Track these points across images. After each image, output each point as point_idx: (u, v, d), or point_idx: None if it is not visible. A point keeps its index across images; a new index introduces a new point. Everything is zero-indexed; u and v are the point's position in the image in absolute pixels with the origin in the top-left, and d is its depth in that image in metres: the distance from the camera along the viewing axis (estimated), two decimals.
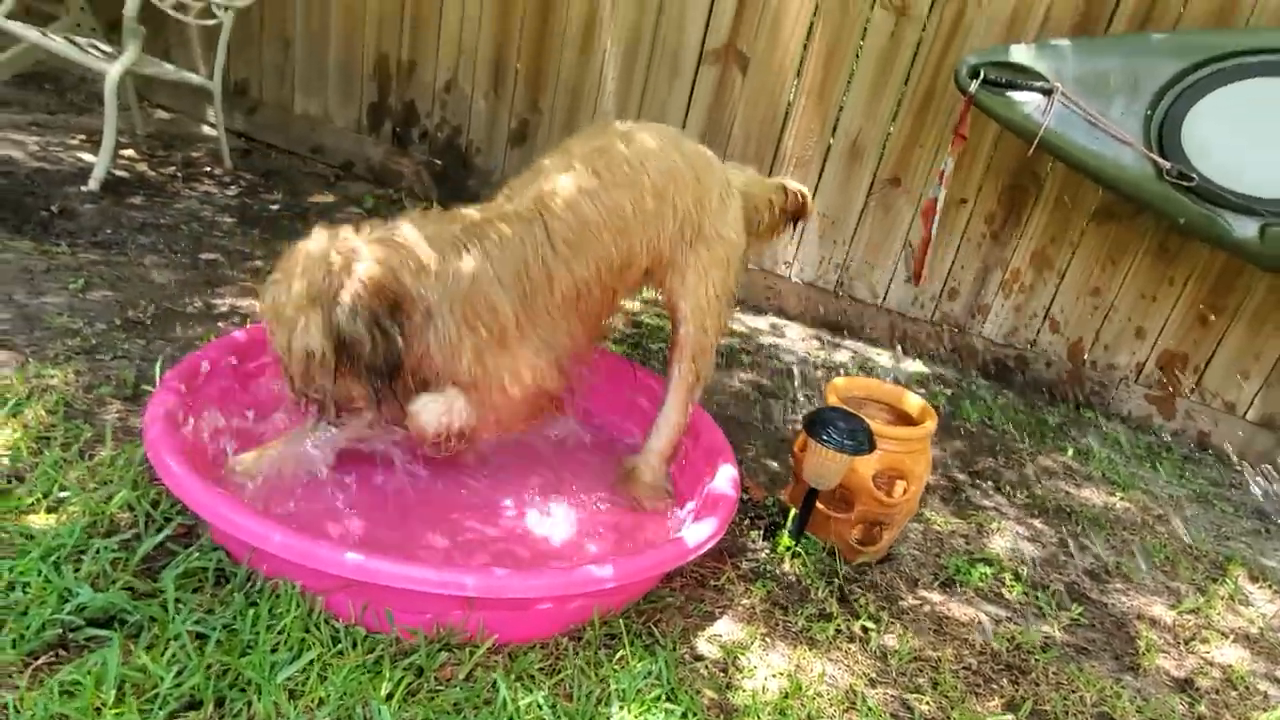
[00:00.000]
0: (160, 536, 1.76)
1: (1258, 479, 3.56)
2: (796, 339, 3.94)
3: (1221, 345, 3.69)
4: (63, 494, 1.82)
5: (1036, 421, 3.62)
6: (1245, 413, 3.76)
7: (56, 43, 3.53)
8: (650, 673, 1.74)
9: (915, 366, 3.93)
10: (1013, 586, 2.41)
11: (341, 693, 1.52)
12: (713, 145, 2.32)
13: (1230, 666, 2.29)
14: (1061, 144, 3.14)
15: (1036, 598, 2.39)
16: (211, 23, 3.83)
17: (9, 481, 1.83)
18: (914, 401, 2.43)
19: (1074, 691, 2.05)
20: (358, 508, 2.05)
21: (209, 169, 4.13)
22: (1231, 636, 2.43)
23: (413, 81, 4.37)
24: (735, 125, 3.94)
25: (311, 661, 1.56)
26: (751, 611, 2.04)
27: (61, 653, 1.50)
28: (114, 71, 3.41)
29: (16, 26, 3.49)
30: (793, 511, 2.31)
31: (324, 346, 1.77)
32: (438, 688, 1.60)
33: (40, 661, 1.47)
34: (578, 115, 4.15)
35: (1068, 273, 3.79)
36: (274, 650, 1.57)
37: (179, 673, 1.48)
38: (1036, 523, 2.81)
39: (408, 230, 1.87)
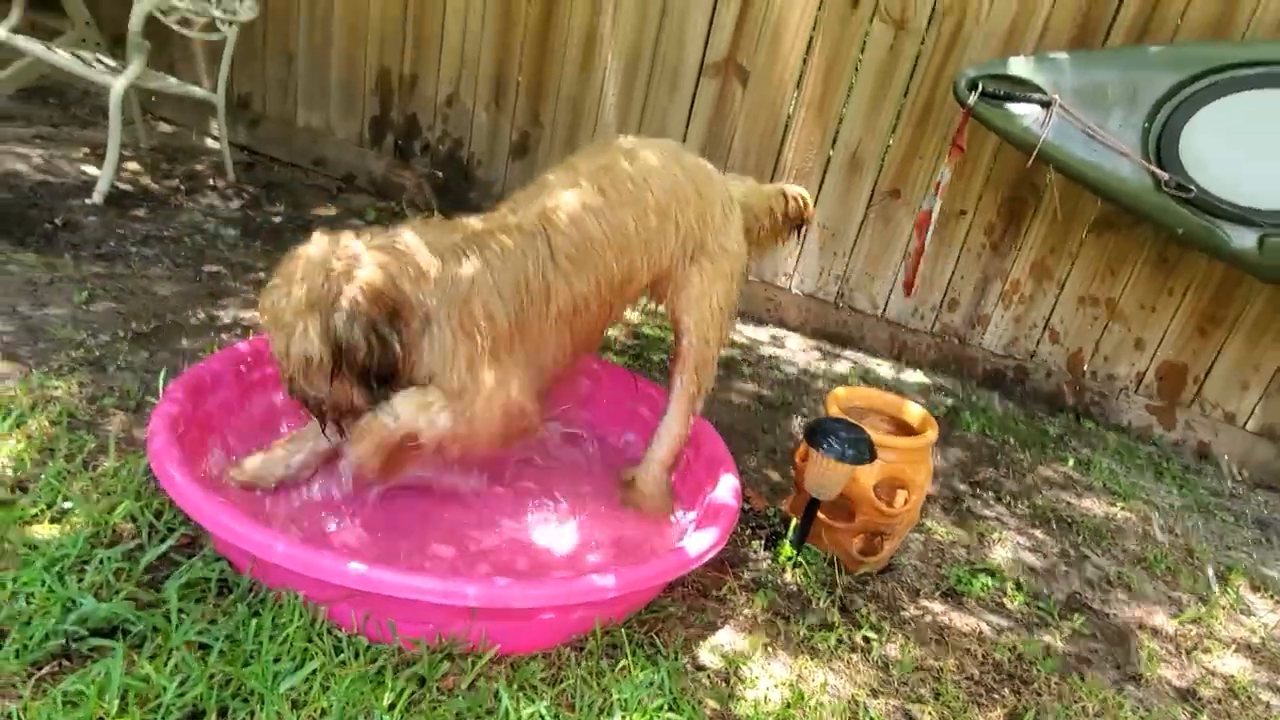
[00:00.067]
0: (163, 547, 1.77)
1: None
2: (797, 350, 3.95)
3: (1221, 356, 3.70)
4: (66, 505, 1.83)
5: (1037, 432, 3.62)
6: (1245, 423, 3.76)
7: (62, 57, 3.56)
8: (652, 682, 1.74)
9: (915, 377, 3.94)
10: (1014, 596, 2.41)
11: (344, 703, 1.52)
12: (713, 158, 2.34)
13: (1232, 676, 2.29)
14: (1060, 156, 3.16)
15: (1038, 608, 2.39)
16: (215, 37, 3.87)
17: (13, 492, 1.84)
18: (915, 411, 2.44)
19: (1076, 702, 2.05)
20: (360, 518, 2.05)
21: (212, 182, 4.15)
22: (1233, 646, 2.43)
23: (414, 95, 4.40)
24: (735, 138, 3.97)
25: (314, 671, 1.57)
26: (753, 621, 2.04)
27: (65, 663, 1.50)
28: (119, 86, 3.43)
29: (22, 41, 3.52)
30: (794, 521, 2.31)
31: (321, 352, 1.77)
32: (440, 698, 1.60)
33: (44, 671, 1.47)
34: (579, 128, 4.18)
35: (1067, 283, 3.80)
36: (277, 660, 1.57)
37: (182, 683, 1.48)
38: (1037, 533, 2.81)
39: (408, 237, 1.88)
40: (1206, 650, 2.38)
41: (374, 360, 1.79)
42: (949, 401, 3.72)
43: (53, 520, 1.79)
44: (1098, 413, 3.93)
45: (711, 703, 1.76)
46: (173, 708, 1.44)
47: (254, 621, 1.62)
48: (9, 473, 1.89)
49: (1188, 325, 3.70)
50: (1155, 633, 2.42)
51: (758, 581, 2.20)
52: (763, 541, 2.36)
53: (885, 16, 3.62)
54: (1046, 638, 2.27)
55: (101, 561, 1.69)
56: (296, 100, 4.60)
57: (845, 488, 2.18)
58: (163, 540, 1.79)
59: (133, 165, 4.05)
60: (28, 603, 1.57)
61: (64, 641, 1.52)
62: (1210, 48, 3.12)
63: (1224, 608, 2.61)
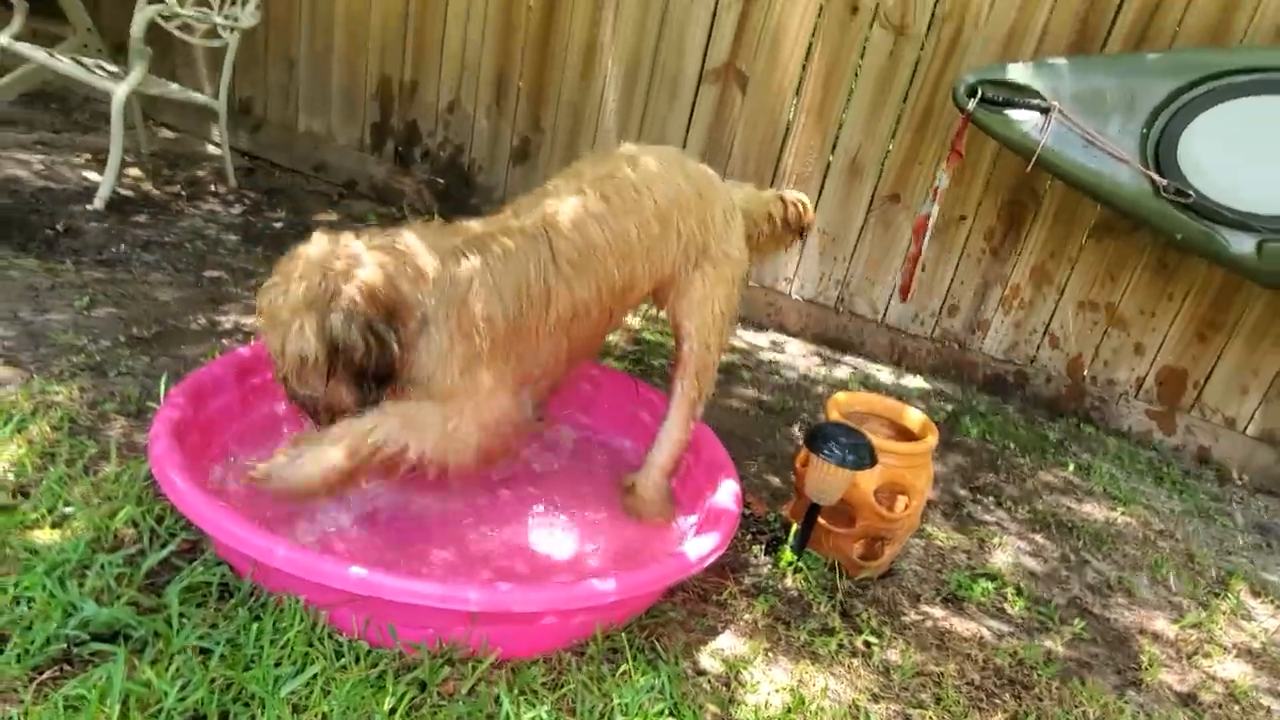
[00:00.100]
0: (164, 552, 1.77)
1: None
2: (797, 355, 3.96)
3: (1221, 361, 3.71)
4: (67, 510, 1.83)
5: (1037, 437, 3.63)
6: (1245, 428, 3.76)
7: (64, 63, 3.57)
8: (653, 687, 1.74)
9: (916, 382, 3.94)
10: (1015, 601, 2.41)
11: (345, 707, 1.52)
12: (713, 164, 2.35)
13: (1233, 681, 2.29)
14: (1059, 161, 3.17)
15: (1039, 612, 2.39)
16: (217, 43, 3.88)
17: (14, 497, 1.84)
18: (915, 417, 2.44)
19: (1077, 707, 2.05)
20: (361, 523, 2.05)
21: (213, 187, 4.16)
22: (1234, 651, 2.43)
23: (415, 101, 4.41)
24: (735, 144, 3.98)
25: (315, 676, 1.57)
26: (754, 626, 2.05)
27: (66, 667, 1.50)
28: (121, 92, 3.44)
29: (24, 48, 3.53)
30: (794, 527, 2.31)
31: (317, 350, 1.76)
32: (440, 703, 1.60)
33: (45, 676, 1.47)
34: (579, 134, 4.19)
35: (1067, 288, 3.81)
36: (278, 665, 1.57)
37: (183, 687, 1.48)
38: (1038, 538, 2.81)
39: (409, 238, 1.88)
40: (1207, 655, 2.38)
41: (371, 360, 1.78)
42: (949, 407, 3.72)
43: (54, 525, 1.79)
44: (1098, 418, 3.93)
45: (712, 708, 1.76)
46: (174, 712, 1.44)
47: (255, 626, 1.62)
48: (10, 478, 1.89)
49: (1187, 330, 3.71)
50: (1156, 637, 2.42)
51: (758, 586, 2.20)
52: (763, 546, 2.36)
53: (885, 22, 3.63)
54: (1047, 643, 2.27)
55: (103, 566, 1.69)
56: (298, 106, 4.61)
57: (846, 493, 2.18)
58: (164, 545, 1.79)
59: (134, 171, 4.06)
60: (29, 607, 1.57)
61: (65, 646, 1.52)
62: (1208, 54, 3.13)
63: (1224, 613, 2.61)
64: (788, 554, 2.28)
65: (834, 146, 3.88)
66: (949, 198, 3.76)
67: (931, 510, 2.79)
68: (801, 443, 2.24)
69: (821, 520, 2.28)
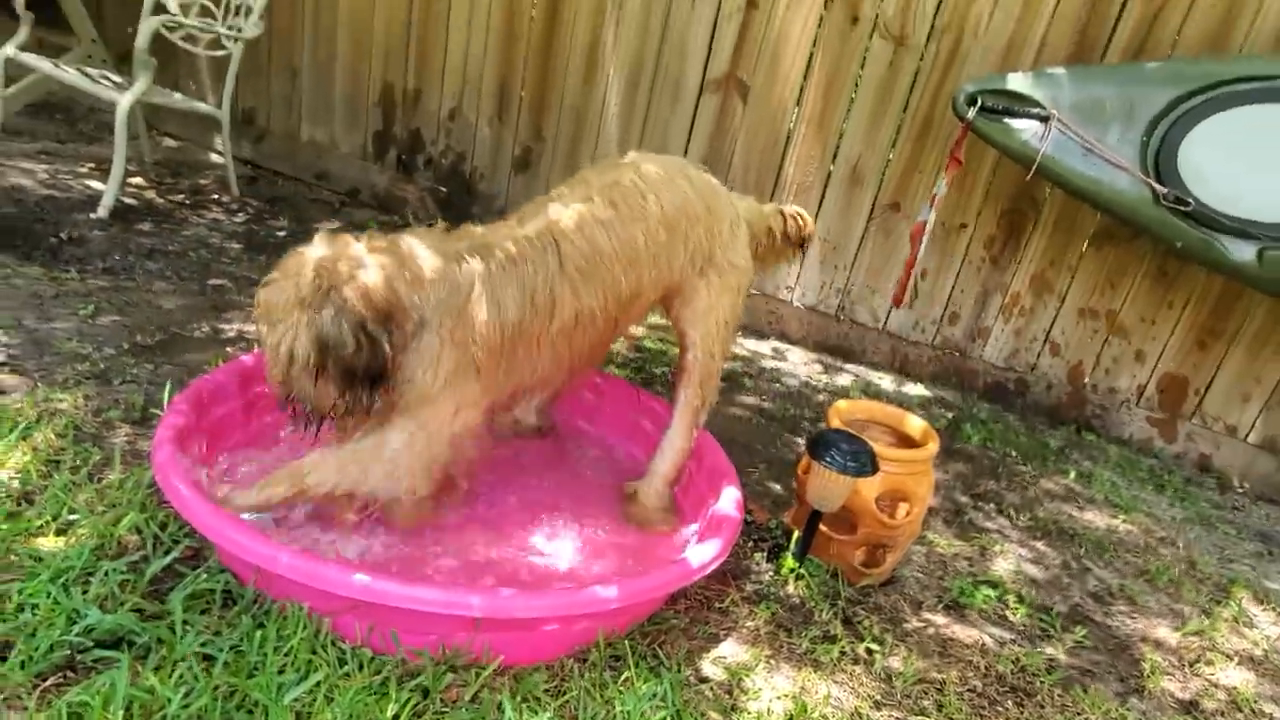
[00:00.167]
0: (168, 559, 1.77)
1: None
2: (799, 363, 3.96)
3: (1221, 368, 3.71)
4: (71, 516, 1.84)
5: (1038, 444, 3.63)
6: (1246, 435, 3.77)
7: (69, 74, 3.60)
8: (655, 694, 1.74)
9: (917, 390, 3.95)
10: (1017, 609, 2.41)
11: (348, 714, 1.53)
12: (714, 173, 2.36)
13: (1235, 689, 2.29)
14: (1059, 169, 3.18)
15: (1040, 620, 2.39)
16: (221, 54, 3.91)
17: (18, 504, 1.85)
18: (916, 424, 2.45)
19: (1079, 714, 2.05)
20: (364, 529, 2.06)
21: (216, 196, 4.18)
22: (1236, 659, 2.43)
23: (418, 110, 4.43)
24: (736, 153, 3.99)
25: (318, 683, 1.57)
26: (756, 633, 2.05)
27: (70, 674, 1.51)
28: (125, 102, 3.46)
29: (30, 58, 3.56)
30: (796, 534, 2.32)
31: (309, 348, 1.76)
32: (444, 709, 1.61)
33: (49, 683, 1.47)
34: (581, 143, 4.21)
35: (1067, 296, 3.81)
36: (281, 671, 1.57)
37: (187, 694, 1.48)
38: (1040, 545, 2.81)
39: (411, 242, 1.88)
40: (1209, 663, 2.38)
41: (361, 360, 1.77)
42: (950, 414, 3.72)
43: (58, 532, 1.79)
44: (1099, 425, 3.93)
45: (714, 715, 1.76)
46: (177, 719, 1.44)
47: (258, 633, 1.63)
48: (15, 485, 1.90)
49: (1188, 338, 3.71)
50: (1158, 645, 2.42)
51: (760, 594, 2.20)
52: (765, 554, 2.37)
53: (885, 33, 3.66)
54: (1049, 650, 2.27)
55: (106, 573, 1.69)
56: (301, 115, 4.64)
57: (847, 500, 2.18)
58: (167, 552, 1.79)
59: (138, 180, 4.08)
60: (33, 614, 1.57)
61: (69, 653, 1.53)
62: (1207, 64, 3.15)
63: (1227, 620, 2.61)
64: (789, 561, 2.29)
65: (835, 156, 3.89)
66: (950, 206, 3.77)
67: (933, 517, 2.79)
68: (803, 450, 2.25)
69: (823, 527, 2.29)
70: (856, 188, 3.91)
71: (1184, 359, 3.75)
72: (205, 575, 1.75)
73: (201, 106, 3.97)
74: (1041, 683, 2.12)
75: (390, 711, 1.55)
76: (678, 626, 2.00)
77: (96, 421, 2.21)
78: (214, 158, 4.65)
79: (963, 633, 2.25)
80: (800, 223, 2.60)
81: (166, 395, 2.28)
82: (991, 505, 3.00)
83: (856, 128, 3.83)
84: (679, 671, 1.84)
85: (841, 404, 2.46)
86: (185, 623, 1.63)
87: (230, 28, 3.89)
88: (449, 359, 1.86)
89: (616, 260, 2.02)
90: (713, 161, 3.99)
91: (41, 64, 3.57)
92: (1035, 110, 3.15)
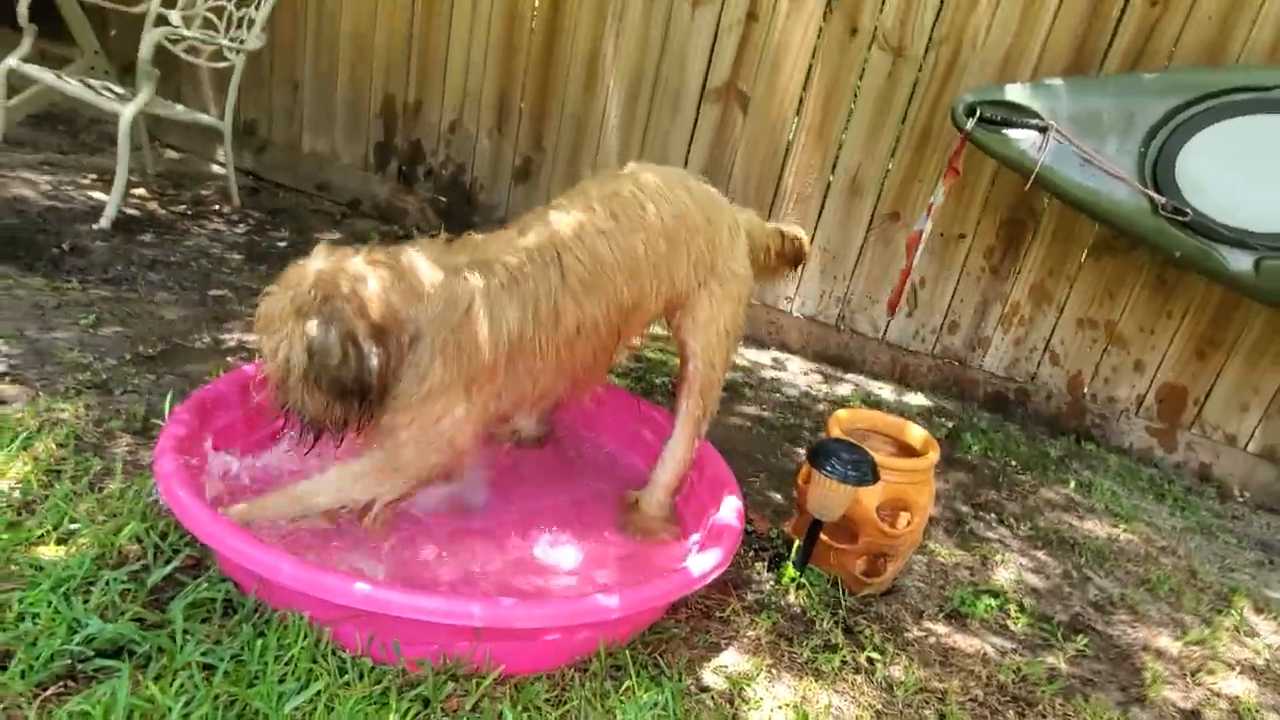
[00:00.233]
0: (169, 568, 1.77)
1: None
2: (798, 373, 3.97)
3: (1220, 378, 3.72)
4: (72, 526, 1.84)
5: (1038, 454, 3.63)
6: (1246, 445, 3.77)
7: (72, 85, 3.62)
8: (656, 704, 1.74)
9: (917, 399, 3.95)
10: (1018, 618, 2.41)
11: None
12: (714, 182, 2.37)
13: (1237, 698, 2.28)
14: (1057, 180, 3.19)
15: (1042, 629, 2.39)
16: (223, 65, 3.93)
17: (19, 514, 1.85)
18: (917, 433, 2.45)
19: None
20: (364, 538, 2.06)
21: (218, 207, 4.19)
22: (1238, 668, 2.42)
23: (419, 121, 4.45)
24: (736, 163, 4.01)
25: (319, 692, 1.57)
26: (757, 643, 2.04)
27: (70, 683, 1.50)
28: (128, 113, 3.48)
29: (33, 69, 3.58)
30: (797, 543, 2.32)
31: (302, 358, 1.76)
32: (444, 719, 1.60)
33: (49, 692, 1.47)
34: (581, 152, 4.23)
35: (1066, 306, 3.82)
36: (282, 681, 1.57)
37: (187, 703, 1.48)
38: (1040, 554, 2.81)
39: (411, 255, 1.88)
40: (1211, 672, 2.38)
41: (348, 371, 1.76)
42: (950, 424, 3.73)
43: (59, 541, 1.79)
44: (1099, 435, 3.94)
45: None
46: None
47: (259, 642, 1.63)
48: (16, 494, 1.90)
49: (1187, 348, 3.72)
50: (1159, 654, 2.41)
51: (761, 603, 2.20)
52: (766, 563, 2.37)
53: (883, 44, 3.68)
54: (1050, 659, 2.27)
55: (107, 582, 1.69)
56: (302, 126, 4.66)
57: (848, 509, 2.18)
58: (168, 561, 1.79)
59: (140, 191, 4.09)
60: (34, 623, 1.57)
61: (70, 662, 1.53)
62: (1204, 74, 3.17)
63: (1228, 629, 2.61)
64: (790, 570, 2.29)
65: (834, 166, 3.91)
66: (949, 216, 3.79)
67: (934, 527, 2.79)
68: (803, 459, 2.25)
69: (824, 537, 2.29)
70: (856, 198, 3.92)
71: (1183, 368, 3.76)
72: (206, 584, 1.75)
73: (204, 118, 3.99)
74: (1043, 692, 2.11)
75: None
76: (679, 636, 2.00)
77: (98, 431, 2.21)
78: (216, 169, 4.66)
79: (964, 642, 2.25)
80: (797, 245, 2.62)
81: (168, 405, 2.29)
82: (992, 515, 3.00)
83: (856, 138, 3.85)
84: (680, 681, 1.83)
85: (842, 413, 2.47)
86: (186, 632, 1.63)
87: (233, 40, 3.92)
88: (443, 373, 1.86)
89: (618, 270, 2.03)
90: (713, 172, 4.00)
91: (44, 75, 3.59)
92: (1033, 121, 3.17)
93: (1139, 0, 3.35)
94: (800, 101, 3.86)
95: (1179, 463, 3.86)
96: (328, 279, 1.78)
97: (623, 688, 1.78)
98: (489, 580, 2.03)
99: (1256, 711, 2.25)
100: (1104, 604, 2.61)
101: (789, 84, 3.84)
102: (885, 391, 3.96)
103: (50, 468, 2.01)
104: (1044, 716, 2.04)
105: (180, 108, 3.98)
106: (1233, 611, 2.72)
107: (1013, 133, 3.21)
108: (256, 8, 3.93)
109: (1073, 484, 3.41)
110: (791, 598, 2.24)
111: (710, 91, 3.94)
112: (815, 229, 4.00)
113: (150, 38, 3.52)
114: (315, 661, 1.63)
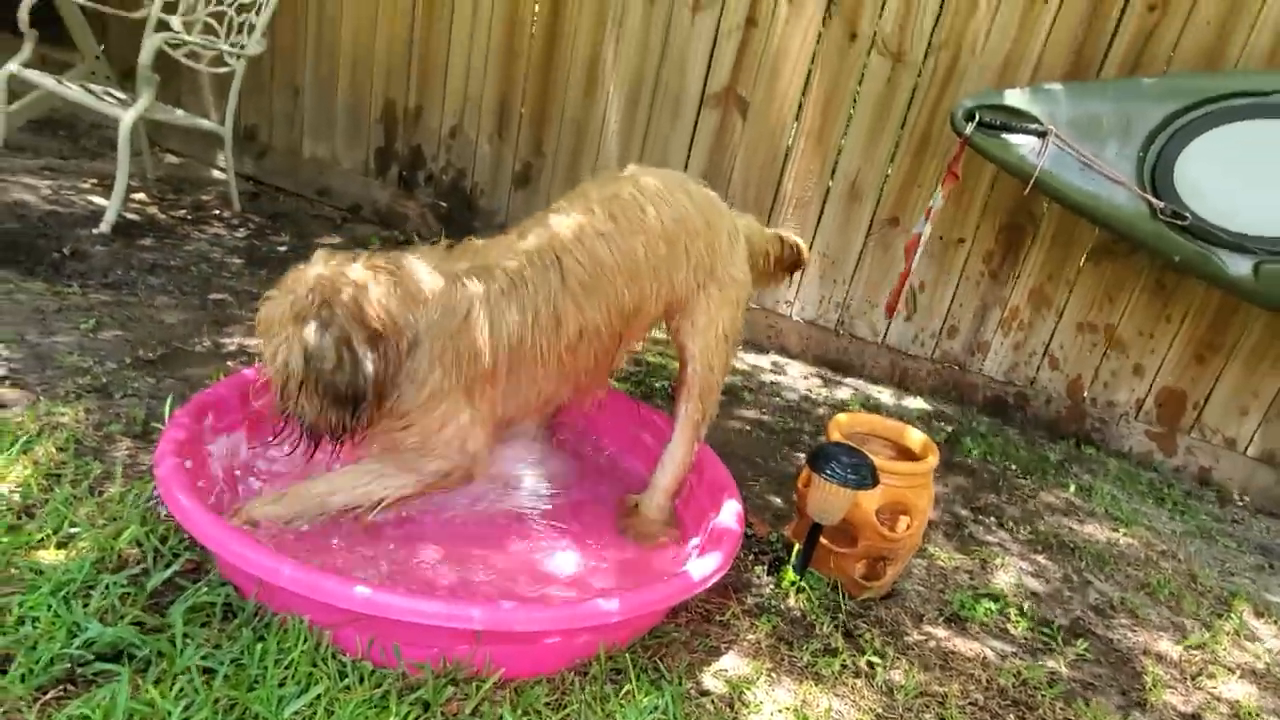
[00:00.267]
0: (169, 572, 1.77)
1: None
2: (798, 377, 3.97)
3: (1220, 382, 3.72)
4: (72, 530, 1.84)
5: (1038, 458, 3.63)
6: (1246, 448, 3.77)
7: (72, 90, 3.63)
8: (657, 708, 1.74)
9: (916, 403, 3.95)
10: (1018, 622, 2.41)
11: None
12: (714, 187, 2.37)
13: (1238, 702, 2.28)
14: (1057, 184, 3.20)
15: (1042, 633, 2.39)
16: (223, 70, 3.94)
17: (19, 518, 1.85)
18: (916, 437, 2.45)
19: None
20: (362, 541, 2.06)
21: (218, 212, 4.20)
22: (1238, 672, 2.42)
23: (419, 126, 4.46)
24: (736, 168, 4.02)
25: (319, 696, 1.56)
26: (757, 647, 2.04)
27: (70, 687, 1.50)
28: (128, 118, 3.49)
29: (33, 74, 3.58)
30: (797, 547, 2.32)
31: (299, 362, 1.77)
32: None
33: (49, 696, 1.47)
34: (581, 157, 4.23)
35: (1066, 310, 3.83)
36: (282, 684, 1.57)
37: (187, 707, 1.48)
38: (1040, 558, 2.81)
39: (411, 261, 1.89)
40: (1211, 676, 2.38)
41: (343, 376, 1.76)
42: (950, 428, 3.73)
43: (59, 545, 1.79)
44: (1098, 439, 3.94)
45: None
46: None
47: (259, 646, 1.63)
48: (16, 498, 1.90)
49: (1186, 352, 3.72)
50: (1160, 658, 2.41)
51: (761, 607, 2.20)
52: (765, 567, 2.36)
53: (883, 49, 3.69)
54: (1051, 663, 2.27)
55: (107, 586, 1.69)
56: (302, 131, 4.66)
57: (848, 513, 2.19)
58: (168, 565, 1.79)
59: (140, 196, 4.10)
60: (34, 627, 1.57)
61: (69, 666, 1.52)
62: (1202, 79, 3.17)
63: (1228, 633, 2.61)
64: (790, 574, 2.29)
65: (833, 171, 3.92)
66: (948, 221, 3.79)
67: (933, 531, 2.79)
68: (803, 463, 2.25)
69: (824, 540, 2.29)
70: (855, 203, 3.93)
71: (1182, 372, 3.76)
72: (206, 588, 1.75)
73: (204, 123, 4.00)
74: (1043, 696, 2.11)
75: None
76: (679, 639, 2.00)
77: (98, 435, 2.21)
78: (216, 174, 4.67)
79: (964, 646, 2.25)
80: (796, 252, 2.63)
81: (168, 409, 2.29)
82: (992, 518, 3.00)
83: (855, 143, 3.85)
84: (680, 684, 1.83)
85: (841, 417, 2.47)
86: (186, 636, 1.63)
87: (233, 45, 3.93)
88: (441, 380, 1.86)
89: (619, 273, 2.03)
90: (712, 177, 4.01)
91: (45, 80, 3.60)
92: (1033, 125, 3.18)
93: (1138, 5, 3.36)
94: (799, 107, 3.87)
95: (1178, 467, 3.87)
96: (326, 284, 1.78)
97: (623, 691, 1.78)
98: (490, 584, 2.03)
99: (1257, 715, 2.25)
100: (1104, 608, 2.61)
101: (788, 89, 3.85)
102: (885, 395, 3.96)
103: (50, 471, 2.01)
104: None
105: (181, 113, 3.99)
106: (1233, 615, 2.72)
107: (1012, 137, 3.21)
108: (257, 13, 3.94)
109: (1072, 488, 3.41)
110: (791, 601, 2.24)
111: (710, 97, 3.95)
112: (814, 234, 4.01)
113: (151, 43, 3.53)
114: (315, 665, 1.63)
